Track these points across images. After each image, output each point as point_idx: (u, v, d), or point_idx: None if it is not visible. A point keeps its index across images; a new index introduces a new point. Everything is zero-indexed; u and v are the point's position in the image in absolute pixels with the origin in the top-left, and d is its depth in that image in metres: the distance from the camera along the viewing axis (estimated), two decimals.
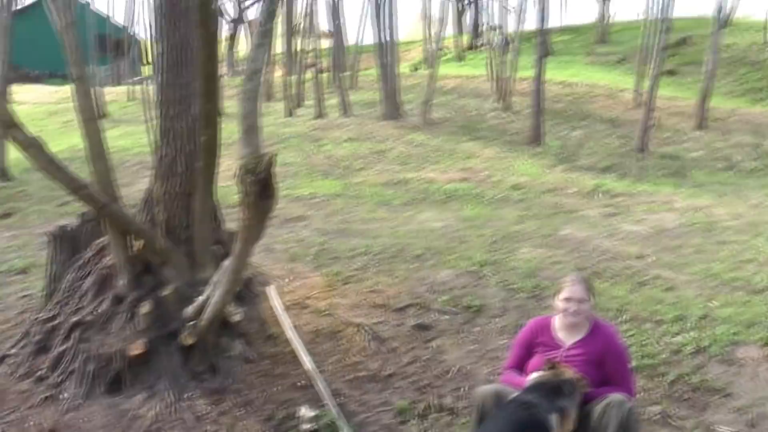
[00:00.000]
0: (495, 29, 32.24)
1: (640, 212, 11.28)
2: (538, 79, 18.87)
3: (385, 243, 8.53)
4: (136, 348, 4.97)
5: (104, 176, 5.10)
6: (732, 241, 9.21)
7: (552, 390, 3.97)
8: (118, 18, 42.46)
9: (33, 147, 4.71)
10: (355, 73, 29.64)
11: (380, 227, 9.86)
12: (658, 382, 5.21)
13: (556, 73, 25.90)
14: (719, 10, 21.58)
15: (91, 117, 5.21)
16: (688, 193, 13.50)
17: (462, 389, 5.21)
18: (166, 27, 5.27)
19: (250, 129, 3.89)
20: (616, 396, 4.00)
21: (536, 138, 18.40)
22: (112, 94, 28.73)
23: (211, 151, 4.72)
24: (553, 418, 3.86)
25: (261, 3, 7.10)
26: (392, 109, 21.20)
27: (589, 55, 34.08)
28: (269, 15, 4.52)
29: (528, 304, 6.58)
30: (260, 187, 3.91)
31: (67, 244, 5.72)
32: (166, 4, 5.29)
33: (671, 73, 27.04)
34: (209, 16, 4.15)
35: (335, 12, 26.86)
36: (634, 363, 5.23)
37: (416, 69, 33.33)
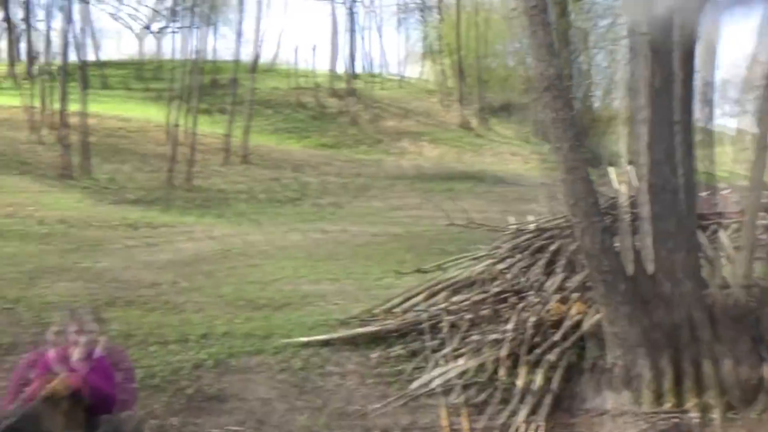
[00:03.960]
0: (36, 57, 30.73)
1: (180, 242, 12.13)
2: (80, 113, 18.93)
3: None
4: None
5: None
6: (262, 264, 10.44)
7: (35, 415, 3.95)
8: None
9: None
10: None
11: None
12: (166, 397, 5.58)
13: (99, 107, 25.35)
14: (256, 56, 23.86)
15: None
16: (228, 222, 14.75)
17: None
18: None
19: None
20: (121, 414, 4.19)
21: (80, 172, 18.40)
22: None
23: None
24: None
25: None
26: None
27: (131, 90, 34.21)
28: None
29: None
30: None
31: None
32: None
33: (205, 111, 27.52)
34: None
35: None
36: (148, 381, 5.65)
37: None
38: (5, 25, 37.30)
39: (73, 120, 19.04)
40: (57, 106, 22.30)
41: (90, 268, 9.76)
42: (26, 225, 12.92)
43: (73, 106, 19.89)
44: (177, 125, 21.57)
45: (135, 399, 4.65)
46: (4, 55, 37.74)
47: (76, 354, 4.32)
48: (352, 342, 6.50)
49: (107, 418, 4.19)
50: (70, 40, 23.83)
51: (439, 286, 7.34)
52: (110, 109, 26.85)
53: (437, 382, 5.77)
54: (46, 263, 9.88)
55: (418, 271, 8.62)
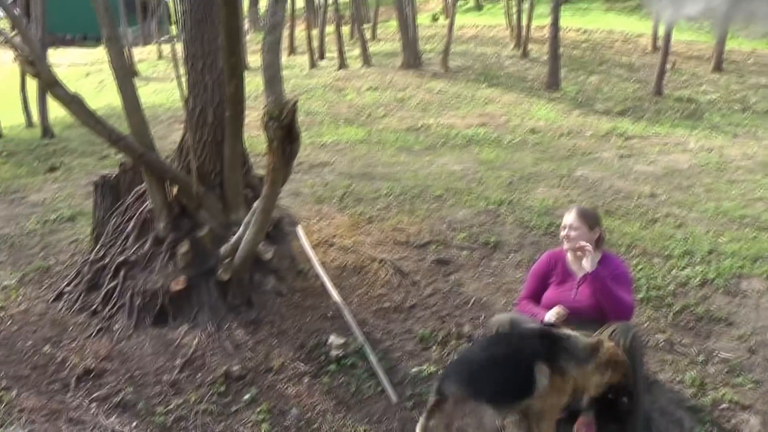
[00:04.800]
0: None
1: (653, 153, 11.56)
2: (555, 26, 19.00)
3: (407, 185, 8.84)
4: (178, 284, 5.42)
5: (140, 128, 5.46)
6: (743, 180, 9.61)
7: (562, 344, 3.90)
8: None
9: (74, 103, 5.10)
10: (375, 25, 29.73)
11: (402, 170, 10.20)
12: (665, 312, 5.47)
13: (573, 20, 25.82)
14: None
15: (125, 74, 5.52)
16: (702, 134, 13.71)
17: (479, 318, 5.53)
18: None
19: (273, 79, 4.16)
20: (620, 323, 4.18)
21: (553, 83, 18.61)
22: (142, 54, 29.18)
23: (237, 102, 5.00)
24: (542, 368, 3.79)
25: None
26: (412, 58, 21.44)
27: (606, 1, 33.61)
28: None
29: (542, 241, 6.85)
30: (284, 133, 4.21)
31: (110, 191, 6.19)
32: None
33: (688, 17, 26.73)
34: None
35: None
36: (642, 294, 5.64)
37: (435, 19, 33.22)
38: None
39: (551, 34, 19.31)
40: (535, 22, 23.32)
41: (566, 175, 9.73)
42: (498, 134, 13.42)
43: (548, 21, 20.20)
44: (653, 36, 20.79)
45: (633, 309, 4.50)
46: None
47: (587, 259, 4.36)
48: None
49: (620, 324, 4.19)
50: None
51: None
52: (584, 23, 26.88)
53: None
54: (523, 170, 10.11)
55: None
